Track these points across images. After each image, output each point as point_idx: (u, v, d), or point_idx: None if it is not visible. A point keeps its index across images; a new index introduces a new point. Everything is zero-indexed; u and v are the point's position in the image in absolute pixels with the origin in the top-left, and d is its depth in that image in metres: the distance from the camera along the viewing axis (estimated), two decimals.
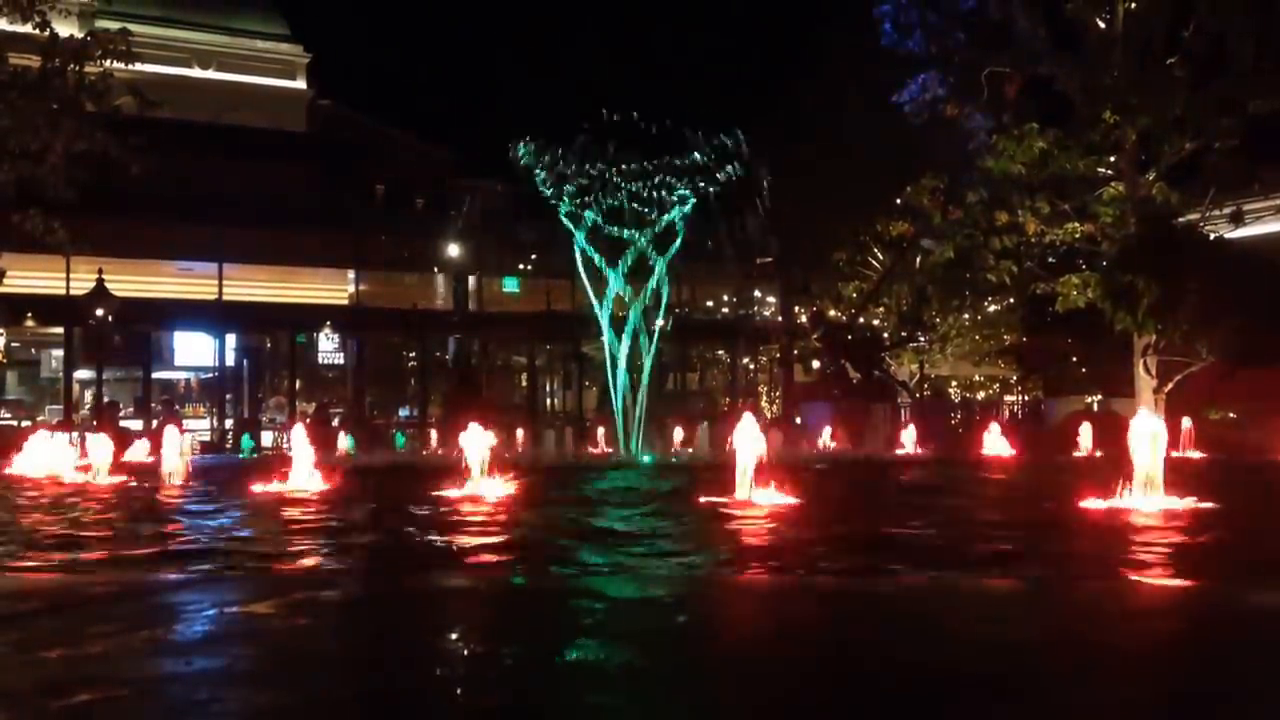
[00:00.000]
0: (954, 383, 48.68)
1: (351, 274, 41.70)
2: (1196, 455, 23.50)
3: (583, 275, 26.54)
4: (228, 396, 40.53)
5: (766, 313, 48.35)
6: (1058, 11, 29.89)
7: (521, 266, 43.48)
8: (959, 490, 15.92)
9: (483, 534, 9.59)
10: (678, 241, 26.39)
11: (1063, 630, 5.08)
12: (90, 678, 3.95)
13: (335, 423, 36.94)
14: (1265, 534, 9.71)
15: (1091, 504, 11.01)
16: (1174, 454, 15.31)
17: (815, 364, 40.46)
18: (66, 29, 28.67)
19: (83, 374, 37.22)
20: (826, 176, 37.66)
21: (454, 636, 5.21)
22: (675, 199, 25.83)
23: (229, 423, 39.49)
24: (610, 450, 27.46)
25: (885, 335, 39.79)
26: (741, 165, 25.59)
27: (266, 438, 37.29)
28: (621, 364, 26.30)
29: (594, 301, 26.47)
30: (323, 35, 67.66)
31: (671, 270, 26.81)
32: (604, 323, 26.54)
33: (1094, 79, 29.13)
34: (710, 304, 48.07)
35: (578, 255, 26.35)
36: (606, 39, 78.67)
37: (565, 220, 26.15)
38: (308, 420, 33.95)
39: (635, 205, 25.78)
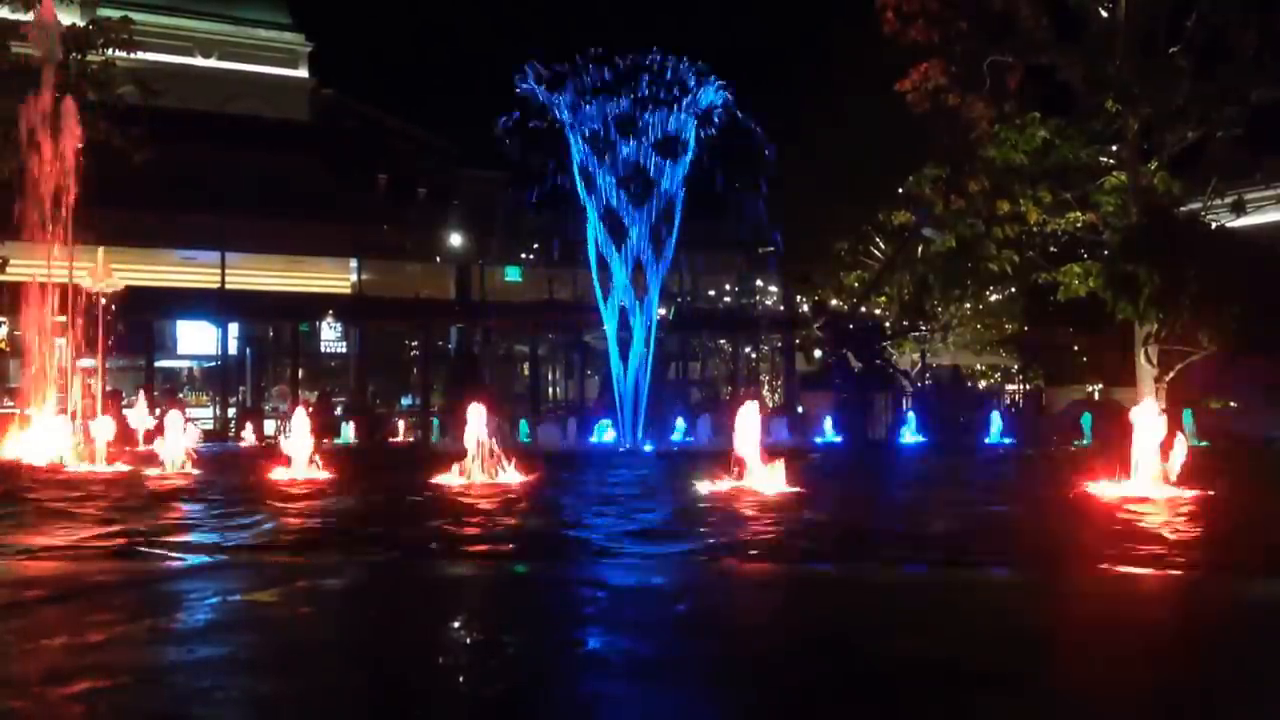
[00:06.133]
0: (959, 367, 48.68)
1: (354, 263, 41.69)
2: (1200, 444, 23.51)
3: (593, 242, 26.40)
4: (241, 387, 40.71)
5: (768, 302, 48.34)
6: (1060, 1, 29.86)
7: (524, 255, 43.50)
8: (961, 481, 15.95)
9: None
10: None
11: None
12: (93, 666, 3.98)
13: (338, 411, 36.99)
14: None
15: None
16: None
17: (817, 353, 40.48)
18: (69, 18, 28.70)
19: (84, 362, 37.18)
20: (828, 166, 37.63)
21: (456, 624, 5.24)
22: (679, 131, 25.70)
23: (231, 411, 39.54)
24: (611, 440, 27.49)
25: (887, 325, 39.79)
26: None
27: (269, 426, 37.28)
28: (627, 351, 26.28)
29: (599, 256, 26.28)
30: (325, 24, 67.53)
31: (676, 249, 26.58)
32: (605, 308, 26.49)
33: (1096, 68, 29.09)
34: (712, 293, 48.06)
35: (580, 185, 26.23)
36: (610, 29, 78.42)
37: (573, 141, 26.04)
38: (310, 408, 33.98)
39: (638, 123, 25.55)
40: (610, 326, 26.50)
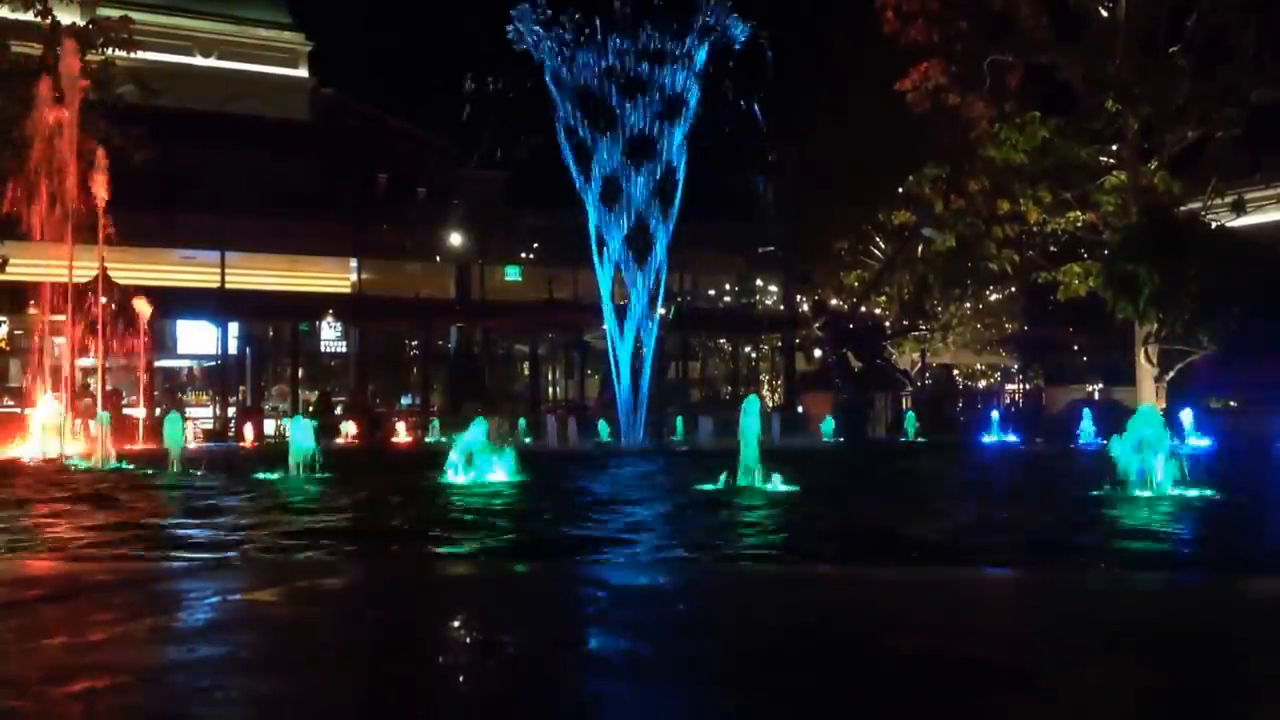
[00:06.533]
0: (955, 371, 48.76)
1: (353, 262, 41.68)
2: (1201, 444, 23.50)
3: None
4: (241, 386, 40.75)
5: (769, 302, 48.36)
6: (1060, 1, 29.89)
7: (524, 255, 43.54)
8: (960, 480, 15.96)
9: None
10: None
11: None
12: (93, 665, 3.98)
13: (338, 411, 37.01)
14: None
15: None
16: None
17: (817, 353, 40.51)
18: (68, 17, 28.71)
19: (85, 362, 37.17)
20: (828, 165, 37.64)
21: (456, 624, 5.24)
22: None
23: (231, 411, 39.53)
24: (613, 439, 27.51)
25: (887, 324, 39.81)
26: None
27: (269, 426, 37.27)
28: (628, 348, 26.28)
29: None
30: (325, 24, 67.48)
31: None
32: (606, 302, 26.52)
33: (1096, 68, 29.11)
34: (712, 293, 48.07)
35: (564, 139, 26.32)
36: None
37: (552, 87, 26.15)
38: (310, 408, 34.06)
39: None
40: (608, 312, 26.49)
